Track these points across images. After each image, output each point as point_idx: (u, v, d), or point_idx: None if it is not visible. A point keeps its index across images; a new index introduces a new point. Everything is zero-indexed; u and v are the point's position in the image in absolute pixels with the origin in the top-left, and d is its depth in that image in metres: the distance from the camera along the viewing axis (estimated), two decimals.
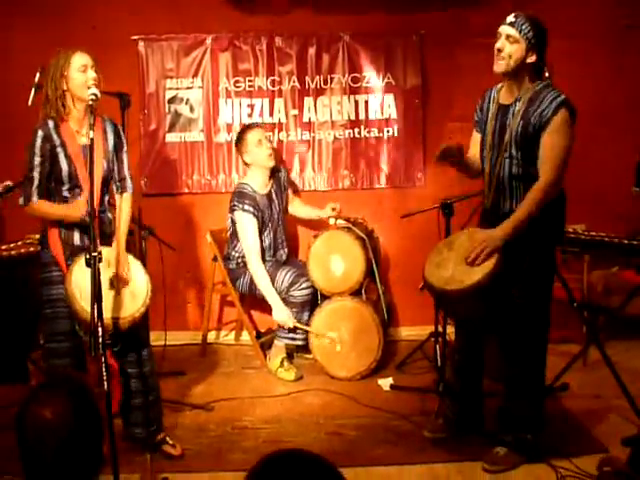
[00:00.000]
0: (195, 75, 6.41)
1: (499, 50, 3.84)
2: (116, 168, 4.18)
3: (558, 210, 3.99)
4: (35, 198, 3.97)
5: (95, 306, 3.43)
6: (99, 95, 3.83)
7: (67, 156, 3.95)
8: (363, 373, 5.47)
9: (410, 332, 6.35)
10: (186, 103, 6.42)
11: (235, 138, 6.03)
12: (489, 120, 4.06)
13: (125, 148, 4.24)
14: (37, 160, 3.93)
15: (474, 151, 4.25)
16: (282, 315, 5.60)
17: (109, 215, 4.18)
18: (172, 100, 6.41)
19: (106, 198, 4.14)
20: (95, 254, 3.45)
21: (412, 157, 6.48)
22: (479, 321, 4.15)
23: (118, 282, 3.94)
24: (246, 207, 5.65)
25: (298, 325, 5.61)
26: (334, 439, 4.50)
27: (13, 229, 5.37)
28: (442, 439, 4.38)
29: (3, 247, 4.76)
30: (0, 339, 4.87)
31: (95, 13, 6.18)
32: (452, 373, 4.48)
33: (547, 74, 4.77)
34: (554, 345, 5.63)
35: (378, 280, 5.66)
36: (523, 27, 3.79)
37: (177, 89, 6.41)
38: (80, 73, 3.93)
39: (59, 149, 3.95)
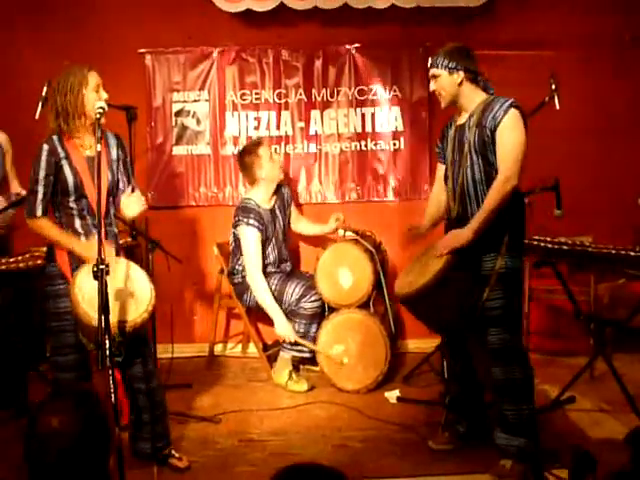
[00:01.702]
0: (202, 88, 6.44)
1: (434, 91, 4.19)
2: (125, 180, 4.21)
3: (517, 211, 4.09)
4: (39, 212, 3.98)
5: (102, 318, 3.44)
6: (106, 108, 3.85)
7: (72, 167, 3.97)
8: (370, 386, 5.46)
9: (417, 344, 6.34)
10: (193, 116, 6.45)
11: (241, 155, 5.96)
12: (449, 142, 4.24)
13: (129, 159, 4.28)
14: (42, 174, 3.95)
15: (437, 191, 4.43)
16: (285, 330, 5.59)
17: (114, 230, 4.19)
18: (179, 113, 6.44)
19: (112, 211, 4.15)
20: (102, 267, 3.45)
21: (419, 169, 6.49)
22: (444, 324, 4.22)
23: None
24: (251, 221, 5.65)
25: (300, 341, 5.60)
26: (340, 451, 4.49)
27: (20, 242, 5.37)
28: (447, 451, 4.37)
29: (11, 260, 4.77)
30: (5, 352, 4.88)
31: (102, 27, 6.21)
32: (454, 384, 4.52)
33: (552, 85, 4.94)
34: (560, 358, 5.68)
35: (386, 292, 5.66)
36: (438, 61, 4.11)
37: (184, 102, 6.44)
38: (94, 92, 3.98)
39: (64, 161, 3.97)
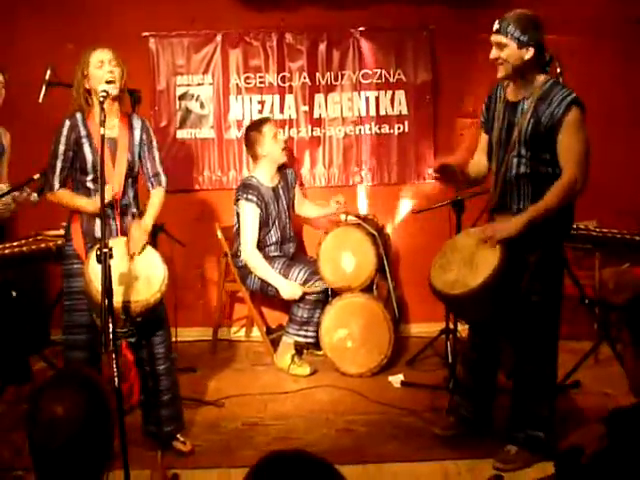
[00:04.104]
0: (205, 72, 6.42)
1: (495, 59, 3.85)
2: (149, 165, 4.27)
3: (567, 206, 3.95)
4: (57, 186, 4.07)
5: (106, 302, 3.46)
6: (110, 91, 3.86)
7: (92, 147, 4.04)
8: (374, 369, 5.46)
9: (421, 328, 6.33)
10: (197, 100, 6.43)
11: (247, 130, 5.99)
12: (496, 118, 4.04)
13: (155, 144, 4.32)
14: (61, 148, 4.04)
15: (479, 157, 4.25)
16: (289, 289, 5.60)
17: (133, 209, 4.22)
18: (183, 97, 6.42)
19: (130, 193, 4.19)
20: (106, 250, 3.46)
21: (423, 153, 6.46)
22: (490, 321, 4.14)
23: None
24: (249, 197, 5.67)
25: (308, 290, 5.59)
26: (344, 435, 4.50)
27: (25, 226, 5.37)
28: (451, 436, 4.37)
29: (15, 243, 4.76)
30: (10, 336, 4.88)
31: (105, 10, 6.18)
32: (465, 371, 4.46)
33: (558, 68, 4.81)
34: (565, 342, 5.61)
35: (389, 276, 5.65)
36: (508, 29, 3.77)
37: (188, 86, 6.42)
38: (97, 69, 4.02)
39: (84, 140, 4.04)
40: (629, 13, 6.24)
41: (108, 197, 3.93)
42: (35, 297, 5.10)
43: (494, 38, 3.83)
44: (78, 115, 4.07)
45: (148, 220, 4.18)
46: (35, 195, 4.59)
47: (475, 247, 3.94)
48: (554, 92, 3.81)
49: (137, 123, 4.24)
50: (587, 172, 3.82)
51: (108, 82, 3.97)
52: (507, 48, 3.79)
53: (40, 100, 4.90)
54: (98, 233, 4.05)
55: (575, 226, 4.85)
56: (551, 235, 3.91)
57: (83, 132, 4.05)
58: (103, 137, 3.67)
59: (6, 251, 4.68)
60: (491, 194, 4.11)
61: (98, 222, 4.05)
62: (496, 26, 3.83)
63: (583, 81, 5.92)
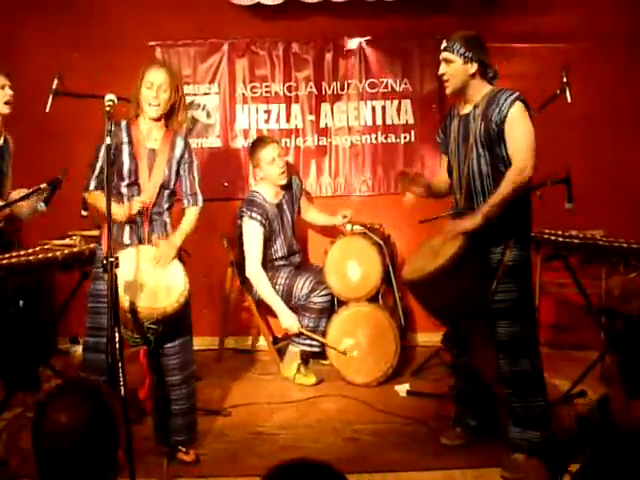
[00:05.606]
0: (212, 81, 6.45)
1: (442, 75, 4.12)
2: (188, 183, 4.33)
3: (524, 203, 4.07)
4: (92, 186, 4.16)
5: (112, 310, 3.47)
6: (115, 101, 3.87)
7: (132, 154, 4.14)
8: (380, 379, 5.45)
9: (427, 338, 6.31)
10: (203, 109, 6.45)
11: (249, 149, 6.02)
12: (452, 132, 4.22)
13: (195, 164, 4.37)
14: (103, 150, 4.06)
15: (442, 175, 4.43)
16: (289, 321, 5.60)
17: (165, 219, 4.27)
18: (189, 106, 6.43)
19: (165, 205, 4.25)
20: (112, 259, 3.48)
21: (429, 162, 6.45)
22: (451, 313, 4.18)
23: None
24: (253, 215, 5.66)
25: (306, 333, 5.59)
26: (350, 444, 4.49)
27: (31, 234, 5.37)
28: (458, 445, 4.37)
29: (21, 252, 4.76)
30: (13, 348, 4.88)
31: (112, 19, 6.21)
32: (460, 377, 4.51)
33: (564, 78, 4.92)
34: (571, 351, 5.67)
35: (395, 286, 5.65)
36: (454, 47, 4.05)
37: (194, 95, 6.45)
38: (147, 89, 4.16)
39: (125, 146, 4.15)
40: (636, 21, 6.25)
41: (137, 207, 4.08)
42: (42, 306, 5.09)
43: (443, 55, 4.10)
44: (123, 123, 4.18)
45: (177, 237, 4.24)
46: (42, 204, 4.60)
47: (443, 243, 4.06)
48: (500, 95, 4.01)
49: (180, 142, 4.31)
50: (534, 160, 3.94)
51: (151, 105, 4.14)
52: (453, 64, 4.05)
53: (47, 109, 4.91)
54: (127, 240, 4.16)
55: (582, 235, 4.86)
56: (513, 234, 4.02)
57: (125, 138, 4.15)
58: (109, 147, 3.70)
59: (13, 260, 4.68)
60: (455, 200, 4.25)
61: (127, 229, 4.16)
62: (444, 44, 4.10)
63: (587, 87, 5.95)
